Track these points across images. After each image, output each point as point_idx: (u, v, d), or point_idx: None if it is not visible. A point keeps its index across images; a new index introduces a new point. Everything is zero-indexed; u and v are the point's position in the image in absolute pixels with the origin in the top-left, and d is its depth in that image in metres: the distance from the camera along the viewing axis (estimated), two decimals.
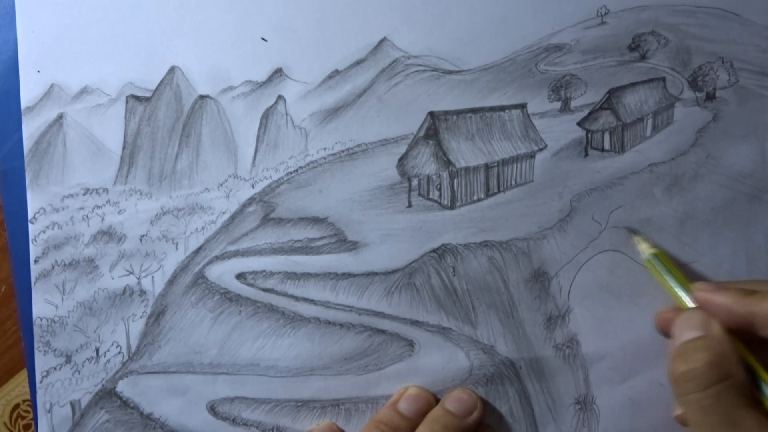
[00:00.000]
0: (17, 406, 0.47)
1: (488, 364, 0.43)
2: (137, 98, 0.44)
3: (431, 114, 0.44)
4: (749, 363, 0.36)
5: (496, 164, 0.45)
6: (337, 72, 0.44)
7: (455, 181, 0.45)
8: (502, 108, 0.45)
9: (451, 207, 0.44)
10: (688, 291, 0.40)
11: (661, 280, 0.41)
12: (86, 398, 0.43)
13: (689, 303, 0.39)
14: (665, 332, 0.42)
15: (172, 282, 0.44)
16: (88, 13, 0.44)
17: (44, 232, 0.44)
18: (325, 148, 0.44)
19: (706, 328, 0.37)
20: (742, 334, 0.37)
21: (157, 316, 0.44)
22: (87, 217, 0.44)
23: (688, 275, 0.42)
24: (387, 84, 0.44)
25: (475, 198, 0.45)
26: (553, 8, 0.44)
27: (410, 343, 0.43)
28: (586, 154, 0.45)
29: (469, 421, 0.41)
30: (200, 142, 0.44)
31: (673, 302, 0.41)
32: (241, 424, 0.43)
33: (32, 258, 0.44)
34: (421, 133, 0.44)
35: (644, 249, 0.42)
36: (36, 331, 0.43)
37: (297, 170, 0.44)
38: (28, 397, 0.47)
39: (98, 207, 0.44)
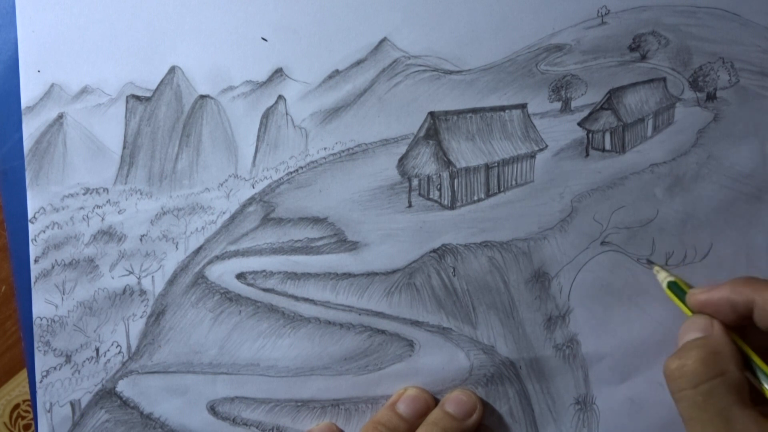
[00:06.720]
0: (17, 406, 0.47)
1: (488, 364, 0.43)
2: (137, 98, 0.44)
3: (431, 114, 0.44)
4: (751, 359, 0.36)
5: (496, 164, 0.45)
6: (337, 72, 0.44)
7: (455, 181, 0.45)
8: (503, 108, 0.45)
9: (452, 207, 0.44)
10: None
11: (680, 306, 0.41)
12: (86, 398, 0.43)
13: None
14: None
15: (172, 282, 0.44)
16: (88, 13, 0.44)
17: (44, 231, 0.44)
18: (325, 148, 0.44)
19: (707, 329, 0.37)
20: (743, 329, 0.37)
21: (157, 316, 0.44)
22: (87, 216, 0.44)
23: (692, 276, 0.42)
24: (387, 84, 0.44)
25: (476, 198, 0.45)
26: (554, 8, 0.44)
27: (410, 344, 0.43)
28: (587, 155, 0.45)
29: (468, 424, 0.41)
30: (200, 142, 0.44)
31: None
32: (241, 424, 0.43)
33: (32, 258, 0.44)
34: (422, 133, 0.44)
35: (662, 278, 0.42)
36: (36, 331, 0.43)
37: (297, 170, 0.44)
38: (28, 397, 0.47)
39: (98, 207, 0.44)
